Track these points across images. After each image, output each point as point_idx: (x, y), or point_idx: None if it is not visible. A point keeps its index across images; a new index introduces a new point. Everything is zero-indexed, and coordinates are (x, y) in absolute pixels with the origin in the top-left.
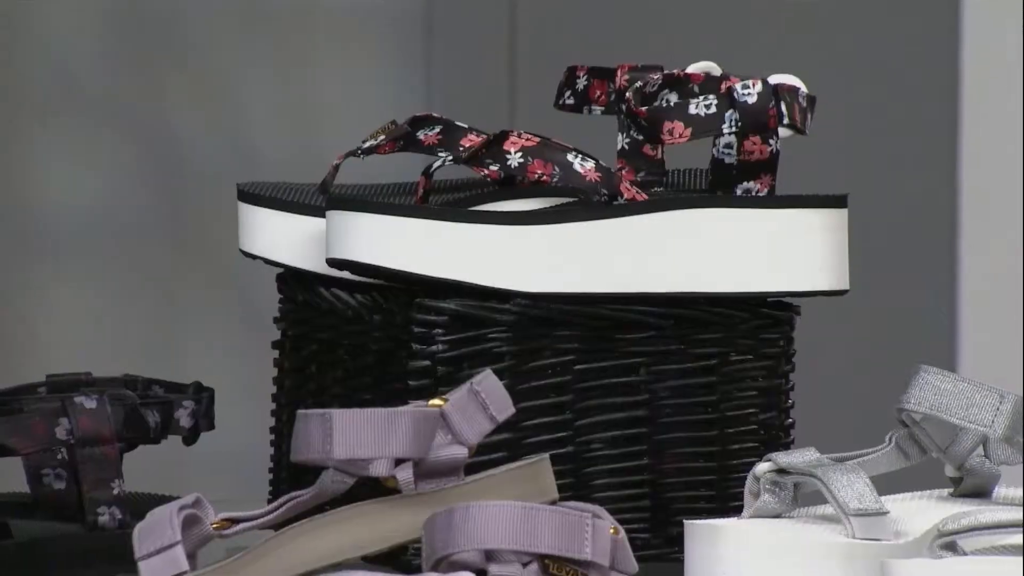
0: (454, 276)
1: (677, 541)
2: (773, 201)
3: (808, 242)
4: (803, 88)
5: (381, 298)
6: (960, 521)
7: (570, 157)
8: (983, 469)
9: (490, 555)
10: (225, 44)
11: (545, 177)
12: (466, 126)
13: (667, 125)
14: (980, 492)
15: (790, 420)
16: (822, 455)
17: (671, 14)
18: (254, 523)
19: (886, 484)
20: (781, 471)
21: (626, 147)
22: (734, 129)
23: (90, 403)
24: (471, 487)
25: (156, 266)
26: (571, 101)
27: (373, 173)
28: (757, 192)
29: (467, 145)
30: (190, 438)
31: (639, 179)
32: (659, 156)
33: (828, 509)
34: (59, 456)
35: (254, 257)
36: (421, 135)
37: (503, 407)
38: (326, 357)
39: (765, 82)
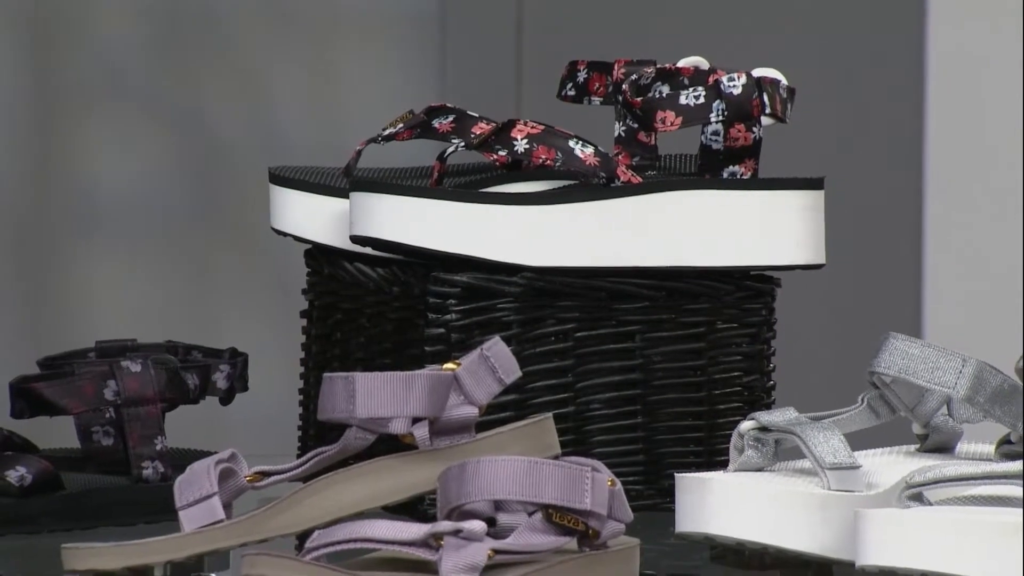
0: (466, 251)
1: (669, 492)
2: (756, 183)
3: (788, 220)
4: (783, 80)
5: (400, 271)
6: (926, 474)
7: (571, 143)
8: (947, 427)
9: (499, 505)
10: (258, 42)
11: (549, 161)
12: (477, 115)
13: (660, 114)
14: (944, 448)
15: (771, 382)
16: (801, 414)
17: (664, 13)
18: (284, 476)
19: (859, 441)
20: (763, 429)
21: (622, 134)
22: (721, 118)
23: (135, 367)
24: (481, 443)
25: (195, 243)
26: (572, 92)
27: (392, 158)
28: (741, 175)
29: (478, 132)
30: (226, 399)
31: (634, 163)
32: (652, 142)
33: (806, 463)
34: (107, 415)
35: (284, 234)
36: (436, 123)
37: (510, 371)
38: (350, 325)
39: (749, 75)
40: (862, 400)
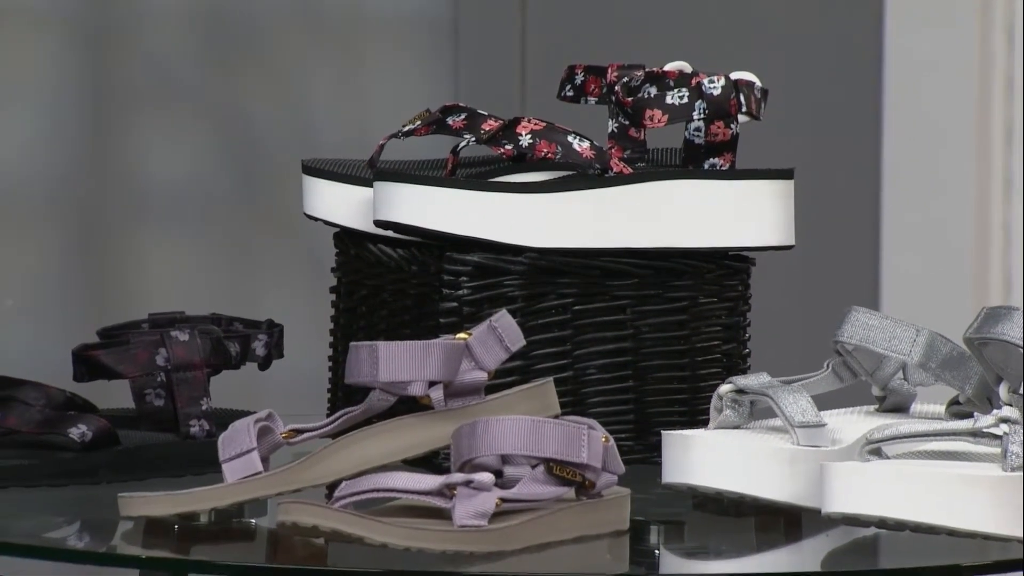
0: (476, 234)
1: (656, 448)
2: (733, 174)
3: (761, 206)
4: (758, 82)
5: (418, 252)
6: (884, 431)
7: (570, 138)
8: (902, 389)
9: (505, 459)
10: (292, 46)
11: (550, 154)
12: (486, 113)
13: (648, 112)
14: (900, 408)
15: (747, 350)
16: (773, 378)
17: (652, 22)
18: (315, 433)
19: (824, 402)
20: (740, 391)
21: (615, 130)
22: (702, 116)
23: (183, 336)
24: (490, 404)
25: (236, 227)
26: (570, 93)
27: (411, 151)
28: (721, 166)
29: (487, 129)
30: (264, 364)
31: (626, 156)
32: (642, 137)
33: (777, 422)
34: (158, 379)
35: (315, 219)
36: (450, 120)
37: (516, 340)
38: (373, 300)
39: (727, 77)
40: (827, 366)
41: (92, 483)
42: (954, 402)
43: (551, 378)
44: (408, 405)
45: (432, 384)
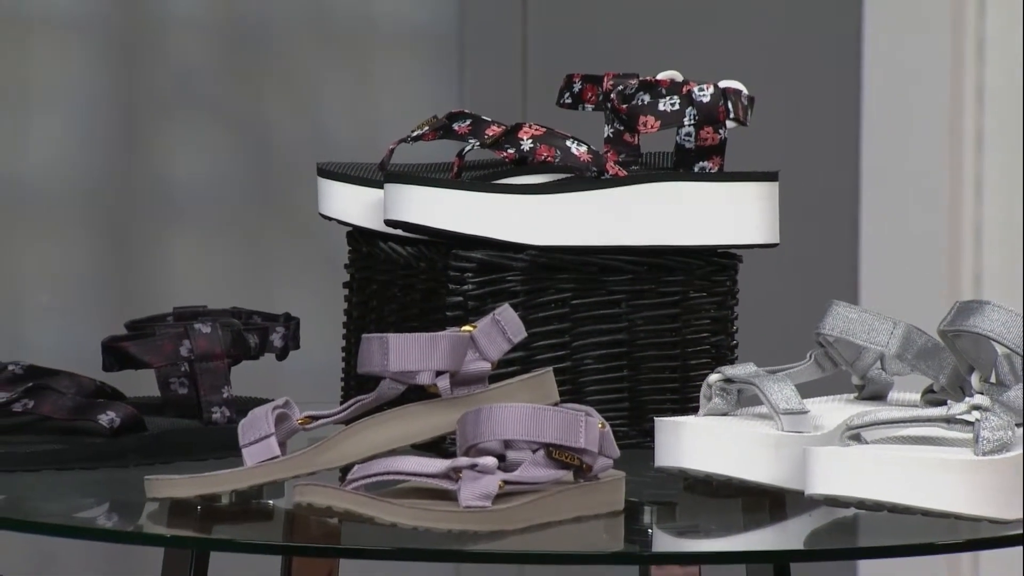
0: (481, 233)
1: (649, 433)
2: (722, 176)
3: (748, 207)
4: (745, 90)
5: (426, 250)
6: (863, 418)
7: (568, 143)
8: (880, 379)
9: (507, 444)
10: (308, 56)
11: (549, 158)
12: (490, 119)
13: (642, 119)
14: (878, 396)
15: (735, 342)
16: (759, 368)
17: (645, 34)
18: (329, 419)
19: (807, 390)
20: (728, 380)
21: (611, 135)
22: (692, 122)
23: (206, 328)
24: (493, 392)
25: (256, 226)
26: (569, 100)
27: (419, 155)
28: (710, 169)
29: (490, 134)
30: (281, 355)
31: (621, 159)
32: (636, 142)
33: (763, 409)
34: (182, 369)
35: (329, 219)
36: (456, 126)
37: (518, 332)
38: (384, 294)
39: (716, 86)
40: (810, 356)
41: (120, 466)
42: (929, 390)
43: (551, 368)
44: (417, 393)
45: (439, 373)
